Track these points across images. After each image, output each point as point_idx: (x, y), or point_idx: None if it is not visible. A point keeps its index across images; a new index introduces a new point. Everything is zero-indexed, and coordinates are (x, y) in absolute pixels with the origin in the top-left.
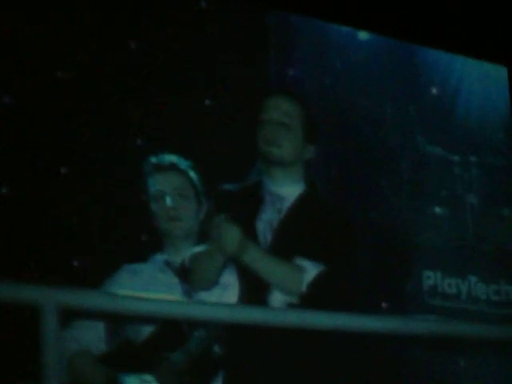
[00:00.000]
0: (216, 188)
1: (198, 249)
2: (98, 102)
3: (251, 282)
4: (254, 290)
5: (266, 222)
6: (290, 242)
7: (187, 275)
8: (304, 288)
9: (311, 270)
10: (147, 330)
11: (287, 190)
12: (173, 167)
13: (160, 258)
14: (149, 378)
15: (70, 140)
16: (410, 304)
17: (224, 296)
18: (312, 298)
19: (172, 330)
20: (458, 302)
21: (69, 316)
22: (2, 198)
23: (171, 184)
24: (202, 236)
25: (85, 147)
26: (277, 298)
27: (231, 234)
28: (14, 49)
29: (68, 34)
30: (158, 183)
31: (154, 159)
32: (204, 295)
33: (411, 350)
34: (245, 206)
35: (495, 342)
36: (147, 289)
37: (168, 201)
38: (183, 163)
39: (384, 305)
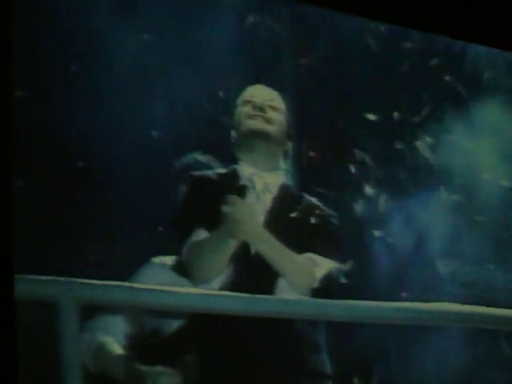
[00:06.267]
0: (191, 175)
1: (197, 238)
2: (113, 95)
3: (251, 275)
4: (253, 284)
5: None
6: (284, 232)
7: (185, 268)
8: (316, 283)
9: (323, 265)
10: (178, 321)
11: (268, 175)
12: None
13: None
14: (170, 372)
15: (87, 133)
16: (429, 293)
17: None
18: (322, 295)
19: (199, 324)
20: (476, 290)
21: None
22: (18, 191)
23: None
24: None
25: (101, 140)
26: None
27: (249, 214)
28: (30, 45)
29: (80, 27)
30: None
31: (182, 165)
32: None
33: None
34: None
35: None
36: (177, 281)
37: None
38: None
39: (404, 295)
